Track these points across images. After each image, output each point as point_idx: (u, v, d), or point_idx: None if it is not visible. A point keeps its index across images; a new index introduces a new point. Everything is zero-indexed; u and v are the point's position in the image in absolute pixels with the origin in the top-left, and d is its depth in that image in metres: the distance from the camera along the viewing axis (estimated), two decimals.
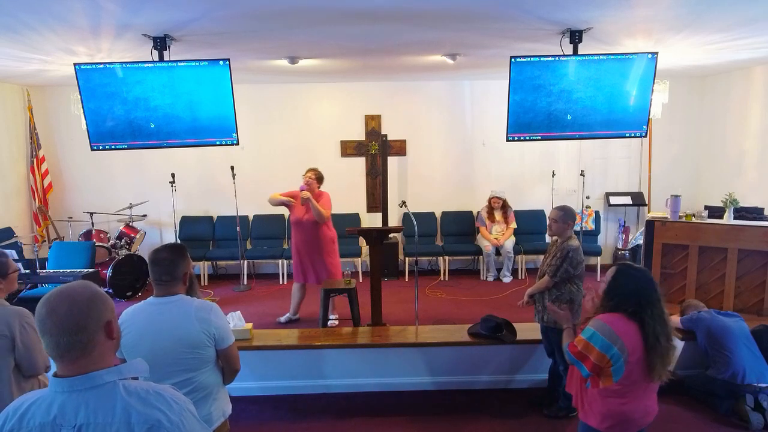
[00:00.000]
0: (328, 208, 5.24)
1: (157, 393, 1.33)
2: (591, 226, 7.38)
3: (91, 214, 6.95)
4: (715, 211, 5.45)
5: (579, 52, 4.42)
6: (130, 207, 7.01)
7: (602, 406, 2.48)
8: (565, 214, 3.70)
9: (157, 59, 4.34)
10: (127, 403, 1.28)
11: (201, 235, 7.44)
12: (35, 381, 2.56)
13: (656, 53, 4.43)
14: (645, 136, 4.95)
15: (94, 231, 6.73)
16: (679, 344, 4.28)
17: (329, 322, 5.34)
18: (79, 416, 1.26)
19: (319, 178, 5.34)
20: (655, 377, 2.43)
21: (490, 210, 7.24)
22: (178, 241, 7.12)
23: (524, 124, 4.61)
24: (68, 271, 5.49)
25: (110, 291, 6.22)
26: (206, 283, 7.26)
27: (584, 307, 2.73)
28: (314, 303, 5.72)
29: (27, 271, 5.34)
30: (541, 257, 4.04)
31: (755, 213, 5.36)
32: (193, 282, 2.37)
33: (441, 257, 7.30)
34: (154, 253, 2.23)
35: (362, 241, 7.25)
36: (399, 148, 7.61)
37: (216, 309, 2.26)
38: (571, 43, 4.34)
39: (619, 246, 7.46)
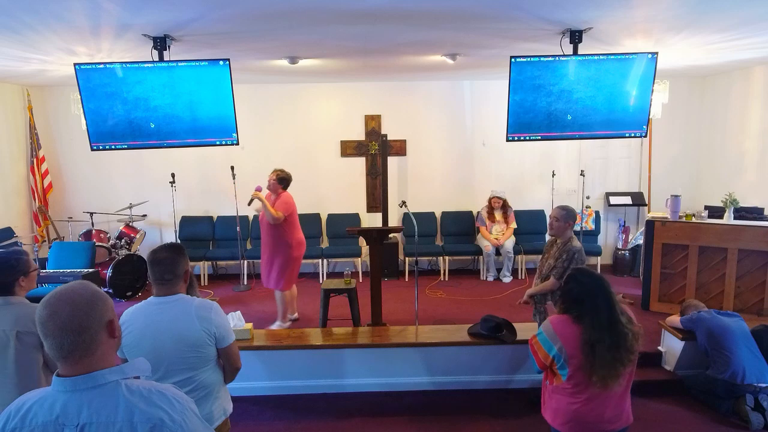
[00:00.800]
0: (281, 209, 4.98)
1: (159, 392, 1.33)
2: (591, 226, 7.38)
3: (91, 214, 6.95)
4: (715, 211, 5.45)
5: (579, 52, 4.42)
6: (130, 207, 7.01)
7: (553, 401, 2.57)
8: (567, 214, 3.71)
9: (157, 59, 4.34)
10: (129, 402, 1.28)
11: (201, 235, 7.44)
12: None
13: (656, 53, 4.43)
14: (645, 136, 4.95)
15: (94, 231, 6.73)
16: (679, 344, 4.29)
17: (287, 322, 5.36)
18: (82, 415, 1.27)
19: (282, 179, 5.11)
20: (596, 383, 2.42)
21: (490, 210, 7.24)
22: (178, 241, 7.12)
23: (524, 124, 4.61)
24: (68, 271, 5.49)
25: (110, 291, 6.22)
26: (206, 283, 7.26)
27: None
28: (314, 303, 5.73)
29: None
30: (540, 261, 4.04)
31: (755, 213, 5.36)
32: (193, 281, 2.38)
33: (441, 257, 7.30)
34: (153, 253, 2.24)
35: (362, 241, 7.25)
36: (399, 148, 7.61)
37: (216, 307, 2.27)
38: (571, 43, 4.34)
39: (619, 246, 7.46)
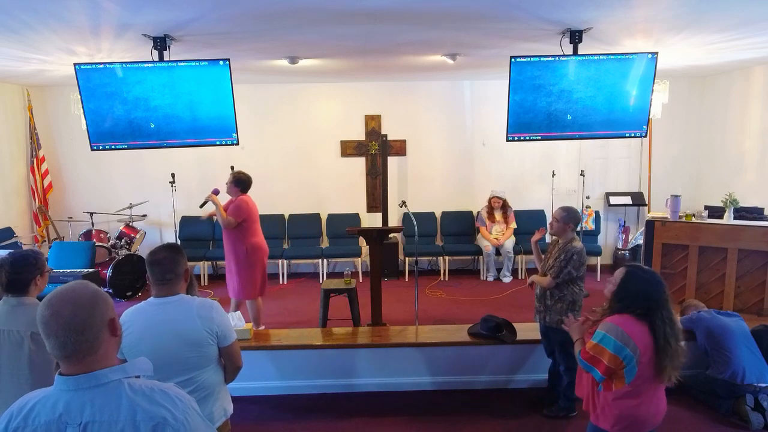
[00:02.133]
0: (232, 215, 4.78)
1: (161, 391, 1.34)
2: (591, 226, 7.38)
3: (91, 214, 6.95)
4: (715, 211, 5.45)
5: (579, 52, 4.42)
6: (130, 207, 7.01)
7: (616, 408, 2.49)
8: (568, 216, 3.70)
9: (157, 59, 4.34)
10: (132, 401, 1.29)
11: (201, 235, 7.44)
12: None
13: (656, 53, 4.43)
14: (645, 136, 4.95)
15: (94, 231, 6.73)
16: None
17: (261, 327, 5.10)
18: (85, 414, 1.27)
19: (239, 182, 4.88)
20: (665, 378, 2.45)
21: (490, 210, 7.24)
22: (178, 241, 7.12)
23: (524, 124, 4.60)
24: (68, 271, 5.49)
25: (110, 291, 6.22)
26: (206, 283, 7.26)
27: (577, 324, 2.77)
28: (314, 303, 5.72)
29: None
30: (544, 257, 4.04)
31: (755, 213, 5.36)
32: (193, 280, 2.38)
33: (441, 257, 7.30)
34: (151, 254, 2.23)
35: (362, 241, 7.25)
36: (399, 148, 7.61)
37: (217, 306, 2.27)
38: (571, 43, 4.34)
39: (619, 246, 7.46)
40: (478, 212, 7.39)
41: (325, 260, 7.32)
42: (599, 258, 7.23)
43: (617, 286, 2.54)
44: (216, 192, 4.89)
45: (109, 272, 6.26)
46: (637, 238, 7.19)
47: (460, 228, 7.63)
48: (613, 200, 7.55)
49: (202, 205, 4.98)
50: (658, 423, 2.56)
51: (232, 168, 6.74)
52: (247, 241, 4.89)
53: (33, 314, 2.43)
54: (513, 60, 4.43)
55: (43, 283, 2.58)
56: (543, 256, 3.98)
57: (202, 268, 7.35)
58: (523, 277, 7.16)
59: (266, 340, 4.28)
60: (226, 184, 4.97)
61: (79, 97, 4.39)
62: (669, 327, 2.44)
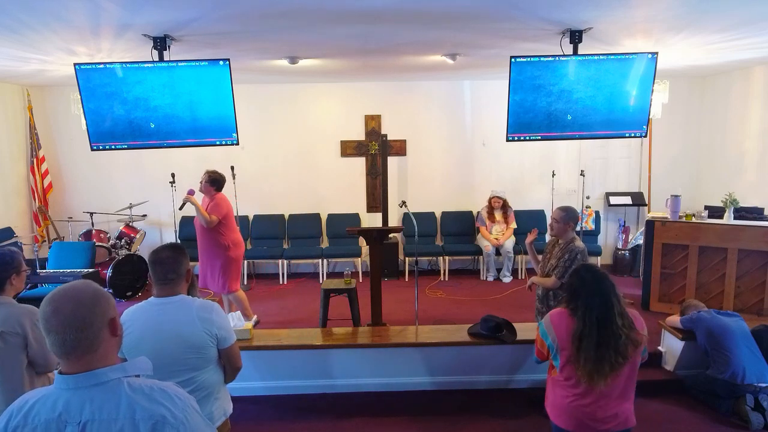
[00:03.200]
0: (215, 213, 4.89)
1: (161, 390, 1.34)
2: (591, 226, 7.38)
3: (91, 214, 6.95)
4: (715, 211, 5.45)
5: (579, 52, 4.42)
6: (130, 207, 7.01)
7: (551, 393, 2.67)
8: (567, 215, 3.70)
9: (157, 59, 4.34)
10: (131, 400, 1.29)
11: None
12: (46, 378, 2.58)
13: (656, 53, 4.43)
14: (645, 136, 4.95)
15: (94, 231, 6.73)
16: (679, 344, 4.29)
17: (254, 316, 5.34)
18: (84, 412, 1.28)
19: (214, 181, 5.01)
20: (582, 379, 2.46)
21: (490, 210, 7.24)
22: (178, 241, 7.12)
23: (524, 124, 4.61)
24: (68, 271, 5.49)
25: (110, 291, 6.22)
26: None
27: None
28: (314, 303, 5.72)
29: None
30: (540, 257, 4.04)
31: (755, 213, 5.36)
32: (194, 280, 2.38)
33: (441, 257, 7.30)
34: (154, 254, 2.23)
35: (362, 241, 7.25)
36: (399, 148, 7.61)
37: (217, 308, 2.26)
38: (571, 43, 4.34)
39: (619, 246, 7.46)
40: (478, 212, 7.39)
41: (325, 260, 7.32)
42: (599, 258, 7.23)
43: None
44: (191, 192, 4.98)
45: (109, 272, 6.25)
46: (637, 238, 7.19)
47: (460, 228, 7.63)
48: (613, 200, 7.55)
49: (181, 207, 5.10)
50: (605, 430, 2.52)
51: (233, 168, 6.78)
52: (230, 237, 5.06)
53: (5, 313, 2.44)
54: (513, 60, 4.43)
55: (20, 282, 2.58)
56: (541, 257, 3.98)
57: None
58: (523, 277, 7.16)
59: (266, 340, 4.27)
60: (200, 183, 5.06)
61: (79, 97, 4.39)
62: (587, 327, 2.44)
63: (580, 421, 2.53)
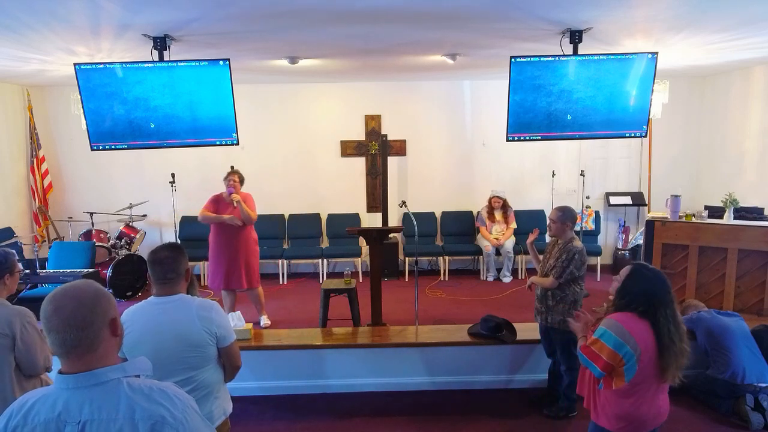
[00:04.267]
0: (254, 209, 5.18)
1: (160, 390, 1.34)
2: (591, 226, 7.38)
3: (91, 214, 6.95)
4: (715, 211, 5.45)
5: (579, 52, 4.42)
6: (130, 207, 7.01)
7: (615, 407, 2.48)
8: (564, 215, 3.70)
9: (157, 59, 4.34)
10: (131, 400, 1.29)
11: (201, 235, 7.38)
12: (37, 380, 2.57)
13: (656, 53, 4.43)
14: (645, 136, 4.95)
15: (94, 231, 6.73)
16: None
17: (262, 323, 5.42)
18: (84, 412, 1.28)
19: (242, 181, 5.26)
20: (668, 378, 2.44)
21: (491, 210, 7.24)
22: (178, 241, 7.12)
23: (524, 124, 4.60)
24: (68, 271, 5.49)
25: (110, 291, 6.22)
26: (206, 283, 7.25)
27: (581, 323, 2.76)
28: (314, 303, 5.72)
29: (27, 271, 5.34)
30: (541, 257, 4.04)
31: (755, 213, 5.36)
32: (193, 280, 2.39)
33: (441, 257, 7.30)
34: (153, 253, 2.23)
35: (362, 241, 7.25)
36: (399, 148, 7.61)
37: (217, 307, 2.27)
38: (571, 43, 4.34)
39: (619, 246, 7.46)
40: (478, 212, 7.39)
41: (325, 260, 7.32)
42: (599, 258, 7.23)
43: (621, 283, 2.55)
44: (231, 192, 5.06)
45: (109, 272, 6.26)
46: (637, 238, 7.19)
47: (460, 228, 7.63)
48: (613, 200, 7.55)
49: (235, 206, 5.03)
50: (660, 424, 2.55)
51: (232, 168, 6.77)
52: (254, 233, 5.31)
53: None
54: (513, 60, 4.43)
55: (13, 283, 2.56)
56: (542, 257, 3.98)
57: (202, 268, 7.34)
58: (523, 277, 7.16)
59: (266, 340, 4.28)
60: (229, 183, 5.09)
61: (79, 97, 4.39)
62: (672, 325, 2.43)
63: (648, 421, 2.48)
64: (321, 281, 6.93)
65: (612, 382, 2.49)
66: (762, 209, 5.51)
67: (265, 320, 5.46)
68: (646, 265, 2.62)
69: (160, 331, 2.15)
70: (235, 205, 5.02)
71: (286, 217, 7.65)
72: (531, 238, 4.03)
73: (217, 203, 5.13)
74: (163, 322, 2.16)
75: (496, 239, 7.09)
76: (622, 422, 2.48)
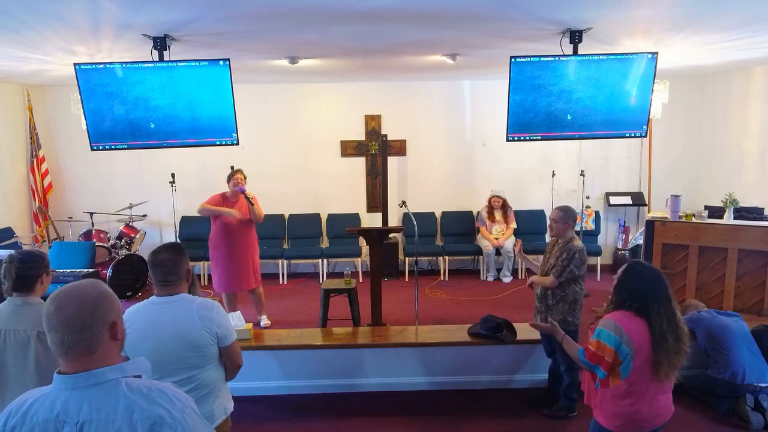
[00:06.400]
0: (259, 208, 5.20)
1: (159, 390, 1.34)
2: (591, 226, 7.38)
3: (91, 214, 6.95)
4: (715, 211, 5.45)
5: (579, 52, 4.42)
6: (130, 207, 7.01)
7: (612, 406, 2.49)
8: (566, 215, 3.70)
9: (157, 59, 4.34)
10: (129, 400, 1.29)
11: (201, 235, 7.40)
12: None
13: (656, 53, 4.43)
14: (645, 136, 4.95)
15: (94, 231, 6.73)
16: None
17: (263, 323, 5.43)
18: (82, 412, 1.28)
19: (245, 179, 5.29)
20: (662, 375, 2.42)
21: (491, 210, 7.24)
22: (178, 241, 7.12)
23: (524, 124, 4.60)
24: (68, 271, 5.49)
25: None
26: (206, 283, 7.26)
27: (555, 325, 2.78)
28: (314, 303, 5.73)
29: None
30: (541, 257, 4.04)
31: (755, 213, 5.36)
32: (194, 280, 2.39)
33: (441, 257, 7.30)
34: (153, 255, 2.23)
35: (362, 241, 7.25)
36: (399, 148, 7.61)
37: (218, 307, 2.27)
38: (571, 43, 4.34)
39: (619, 246, 7.46)
40: (478, 212, 7.39)
41: (325, 260, 7.32)
42: (599, 258, 7.23)
43: (617, 280, 2.56)
44: (242, 190, 5.08)
45: (109, 272, 6.25)
46: (637, 238, 7.19)
47: (460, 228, 7.63)
48: (613, 200, 7.55)
49: (252, 204, 5.07)
50: (662, 424, 2.53)
51: (233, 167, 6.76)
52: (255, 231, 5.31)
53: (38, 313, 2.42)
54: (513, 60, 4.43)
55: (48, 282, 2.57)
56: (543, 257, 3.98)
57: (202, 268, 7.35)
58: (523, 277, 7.16)
59: (266, 340, 4.27)
60: (236, 182, 5.10)
61: (79, 97, 4.39)
62: (666, 323, 2.41)
63: (649, 420, 2.47)
64: (321, 281, 6.93)
65: (609, 381, 2.49)
66: (762, 209, 5.51)
67: (265, 320, 5.46)
68: (642, 263, 2.62)
69: (161, 330, 2.15)
70: (251, 200, 5.04)
71: (286, 217, 7.66)
72: (517, 247, 4.17)
73: (224, 201, 5.12)
74: (164, 322, 2.17)
75: (496, 239, 7.09)
76: (619, 421, 2.48)
